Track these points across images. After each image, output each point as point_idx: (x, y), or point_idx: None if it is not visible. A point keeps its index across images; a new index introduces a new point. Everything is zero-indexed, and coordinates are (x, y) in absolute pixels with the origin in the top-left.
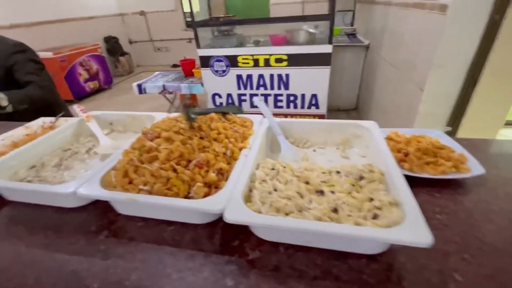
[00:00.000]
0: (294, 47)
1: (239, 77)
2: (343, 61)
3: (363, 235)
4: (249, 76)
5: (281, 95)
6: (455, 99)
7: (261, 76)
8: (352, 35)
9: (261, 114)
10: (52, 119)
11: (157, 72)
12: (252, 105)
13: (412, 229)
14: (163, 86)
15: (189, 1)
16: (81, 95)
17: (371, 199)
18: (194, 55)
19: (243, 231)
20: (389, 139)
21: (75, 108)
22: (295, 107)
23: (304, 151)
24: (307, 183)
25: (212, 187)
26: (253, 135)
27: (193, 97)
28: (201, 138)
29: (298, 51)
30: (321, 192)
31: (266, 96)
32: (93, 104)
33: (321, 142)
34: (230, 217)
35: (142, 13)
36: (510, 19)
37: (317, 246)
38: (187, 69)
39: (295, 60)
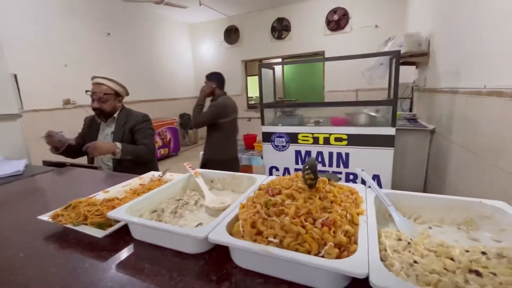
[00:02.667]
0: (354, 128)
1: (297, 152)
2: (405, 145)
3: None
4: (308, 153)
5: (340, 172)
6: None
7: (319, 153)
8: (413, 120)
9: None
10: (159, 173)
11: None
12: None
13: None
14: None
15: (260, 86)
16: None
17: None
18: (252, 131)
19: None
20: None
21: (185, 165)
22: None
23: (421, 227)
24: (451, 259)
25: (341, 250)
26: (364, 202)
27: (248, 168)
28: (320, 199)
29: (359, 131)
30: (476, 273)
31: (323, 172)
32: (161, 166)
33: (437, 219)
34: (379, 283)
35: None
36: None
37: None
38: (249, 142)
39: (355, 140)
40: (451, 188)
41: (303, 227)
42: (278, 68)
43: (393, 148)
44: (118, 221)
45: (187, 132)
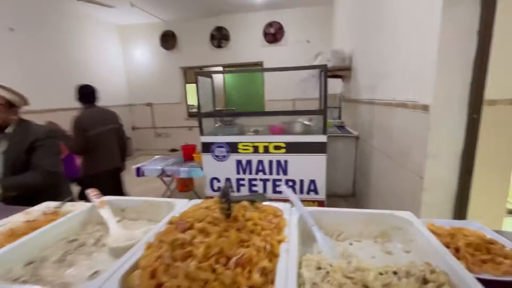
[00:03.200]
0: (291, 136)
1: (238, 162)
2: (336, 150)
3: None
4: (249, 162)
5: (279, 180)
6: (455, 188)
7: (260, 162)
8: (341, 127)
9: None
10: (57, 203)
11: (157, 156)
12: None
13: None
14: (162, 169)
15: (198, 94)
16: (74, 177)
17: None
18: (192, 141)
19: None
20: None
21: (88, 192)
22: (294, 192)
23: (342, 246)
24: (365, 287)
25: None
26: (287, 226)
27: (189, 181)
28: (238, 229)
29: (296, 139)
30: None
31: (265, 181)
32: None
33: (357, 234)
34: None
35: (149, 104)
36: (485, 117)
37: None
38: (188, 153)
39: (293, 148)
40: (373, 188)
41: (214, 270)
42: (219, 77)
43: (325, 154)
44: None
45: None
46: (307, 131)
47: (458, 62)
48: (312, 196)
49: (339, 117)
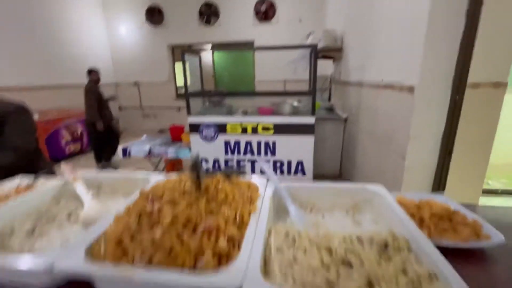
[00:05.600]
0: (280, 117)
1: (227, 143)
2: (324, 132)
3: None
4: (237, 143)
5: (268, 161)
6: (435, 168)
7: (248, 143)
8: (330, 109)
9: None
10: (30, 180)
11: (144, 136)
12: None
13: None
14: (149, 150)
15: (184, 73)
16: (59, 157)
17: (405, 271)
18: (181, 122)
19: None
20: (397, 203)
21: (62, 166)
22: (282, 172)
23: (315, 218)
24: (329, 251)
25: (222, 258)
26: (260, 198)
27: (178, 162)
28: (208, 201)
29: (284, 121)
30: (348, 264)
31: (253, 162)
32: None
33: (329, 207)
34: None
35: (136, 83)
36: (467, 99)
37: None
38: (176, 134)
39: (281, 129)
40: (359, 169)
41: (180, 238)
42: (208, 56)
43: (313, 136)
44: None
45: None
46: (295, 112)
47: (445, 43)
48: (300, 177)
49: (329, 100)
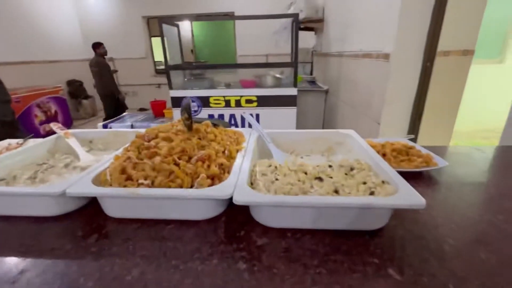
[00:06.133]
0: (263, 90)
1: (210, 116)
2: (306, 104)
3: (373, 203)
4: (221, 116)
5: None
6: (407, 131)
7: (232, 116)
8: (312, 82)
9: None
10: (19, 140)
11: (125, 113)
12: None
13: (407, 196)
14: (132, 126)
15: (163, 43)
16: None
17: (365, 183)
18: (162, 99)
19: (247, 222)
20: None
21: (52, 126)
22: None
23: (293, 157)
24: (305, 173)
25: (215, 180)
26: (246, 141)
27: None
28: (199, 139)
29: (267, 93)
30: (320, 179)
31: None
32: None
33: (307, 150)
34: (240, 199)
35: (110, 59)
36: (438, 66)
37: (321, 228)
38: (158, 110)
39: (264, 101)
40: None
41: (177, 165)
42: (187, 28)
43: (295, 107)
44: None
45: (81, 102)
46: (278, 84)
47: (419, 13)
48: None
49: (311, 73)
